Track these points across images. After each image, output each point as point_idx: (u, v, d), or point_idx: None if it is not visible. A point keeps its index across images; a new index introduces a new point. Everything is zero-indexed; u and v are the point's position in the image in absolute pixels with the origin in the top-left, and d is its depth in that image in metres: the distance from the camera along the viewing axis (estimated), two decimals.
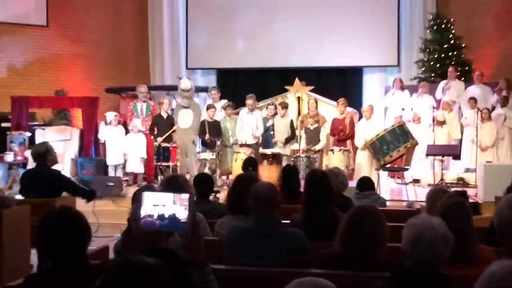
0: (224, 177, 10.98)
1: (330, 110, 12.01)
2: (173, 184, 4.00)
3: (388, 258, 3.23)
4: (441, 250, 2.64)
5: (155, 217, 2.38)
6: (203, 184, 5.23)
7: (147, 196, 2.40)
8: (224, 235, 3.96)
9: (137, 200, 2.47)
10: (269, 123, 11.03)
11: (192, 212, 2.39)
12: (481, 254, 3.23)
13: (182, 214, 2.37)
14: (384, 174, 10.51)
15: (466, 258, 3.09)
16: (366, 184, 6.42)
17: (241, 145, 10.72)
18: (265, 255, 3.48)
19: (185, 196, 2.39)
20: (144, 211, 2.38)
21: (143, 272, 1.89)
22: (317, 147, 10.67)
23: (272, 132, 10.70)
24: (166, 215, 2.37)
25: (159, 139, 10.60)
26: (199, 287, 2.42)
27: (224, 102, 11.70)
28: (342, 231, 3.28)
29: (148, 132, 11.09)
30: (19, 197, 6.78)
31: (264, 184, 3.78)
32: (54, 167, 7.02)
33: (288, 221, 4.39)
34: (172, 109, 11.51)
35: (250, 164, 7.34)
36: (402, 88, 12.52)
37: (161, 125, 10.88)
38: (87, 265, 2.68)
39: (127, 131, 11.35)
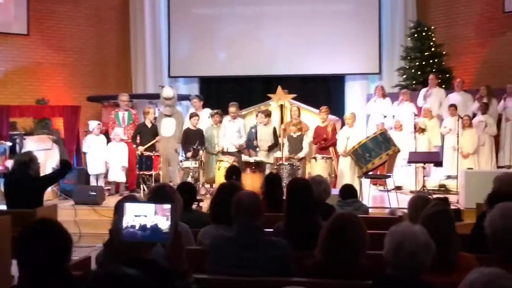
0: (207, 186, 10.96)
1: (313, 118, 12.06)
2: (161, 193, 3.97)
3: (371, 265, 3.24)
4: (423, 258, 2.66)
5: (137, 227, 2.37)
6: (186, 193, 5.19)
7: (128, 206, 2.39)
8: (207, 245, 3.94)
9: (119, 211, 2.46)
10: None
11: (174, 222, 2.39)
12: (463, 261, 3.25)
13: (164, 224, 2.36)
14: (366, 181, 10.54)
15: (448, 265, 3.11)
16: (348, 191, 6.43)
17: (224, 153, 10.72)
18: (249, 264, 3.46)
19: (167, 206, 2.39)
20: (126, 221, 2.38)
21: (123, 283, 1.88)
22: (300, 154, 10.70)
23: (255, 142, 10.76)
24: (148, 226, 2.36)
25: (141, 148, 10.54)
26: None
27: (206, 110, 11.70)
28: (323, 239, 3.29)
29: (130, 141, 11.02)
30: (2, 207, 6.76)
31: (246, 193, 3.77)
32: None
33: (271, 230, 4.39)
34: (155, 118, 11.47)
35: (233, 173, 7.33)
36: (384, 95, 12.61)
37: (145, 134, 10.83)
38: (68, 276, 2.64)
39: (109, 140, 11.28)
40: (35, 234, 2.63)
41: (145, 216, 2.37)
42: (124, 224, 2.39)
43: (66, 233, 2.73)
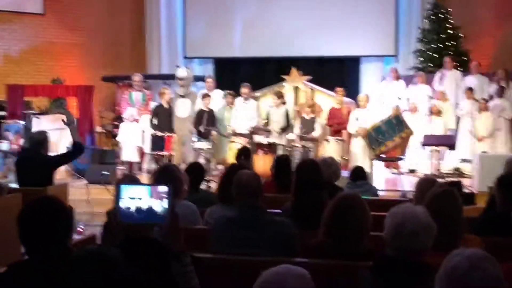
0: (220, 166, 10.95)
1: (327, 100, 11.98)
2: (166, 174, 3.97)
3: (374, 246, 3.22)
4: (423, 239, 2.62)
5: (133, 209, 2.37)
6: (194, 173, 5.21)
7: (124, 189, 2.39)
8: (212, 224, 3.94)
9: (115, 193, 2.46)
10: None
11: (171, 203, 2.38)
12: (467, 244, 3.20)
13: (159, 207, 2.36)
14: (380, 164, 10.49)
15: (451, 247, 3.06)
16: (358, 173, 6.42)
17: (236, 134, 10.69)
18: (251, 243, 3.46)
19: (163, 189, 2.39)
20: (122, 203, 2.38)
21: (101, 263, 1.89)
22: (314, 133, 10.60)
23: (265, 121, 10.69)
24: (143, 208, 2.36)
25: (159, 133, 10.45)
26: (178, 278, 2.40)
27: (218, 91, 11.66)
28: (326, 219, 3.27)
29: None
30: (14, 185, 6.80)
31: (247, 173, 3.76)
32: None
33: (280, 210, 4.38)
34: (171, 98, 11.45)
35: (243, 154, 7.32)
36: (397, 77, 12.49)
37: (162, 115, 10.78)
38: (68, 254, 2.65)
39: (122, 120, 11.29)
40: (35, 211, 2.65)
41: (140, 198, 2.37)
42: (121, 206, 2.39)
43: (66, 210, 2.74)
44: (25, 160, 6.82)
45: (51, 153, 7.16)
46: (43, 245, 2.58)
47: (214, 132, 10.58)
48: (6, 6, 14.17)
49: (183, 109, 11.15)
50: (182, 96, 11.33)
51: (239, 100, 11.17)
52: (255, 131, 10.86)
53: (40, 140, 6.67)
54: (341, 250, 3.18)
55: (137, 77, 11.48)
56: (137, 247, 2.46)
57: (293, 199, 4.37)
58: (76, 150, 6.95)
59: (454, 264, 1.95)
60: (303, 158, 9.50)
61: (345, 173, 7.30)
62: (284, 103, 11.14)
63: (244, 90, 11.06)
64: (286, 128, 10.87)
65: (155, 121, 10.66)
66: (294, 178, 4.53)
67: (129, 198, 2.38)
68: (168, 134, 10.38)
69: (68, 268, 1.97)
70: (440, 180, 8.93)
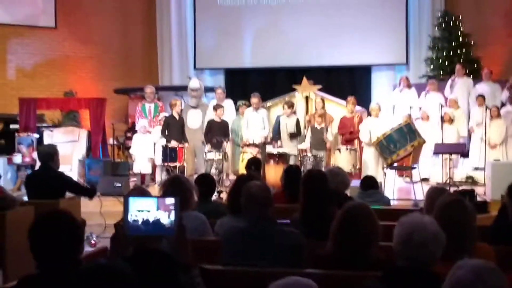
0: (232, 177, 10.95)
1: (338, 109, 11.97)
2: (175, 185, 3.99)
3: (384, 256, 3.21)
4: (433, 248, 2.61)
5: (140, 222, 2.39)
6: (205, 184, 5.21)
7: (131, 201, 2.41)
8: (222, 235, 3.94)
9: (124, 205, 2.48)
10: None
11: (178, 215, 2.39)
12: (479, 252, 3.19)
13: (166, 219, 2.38)
14: (392, 173, 10.45)
15: (462, 256, 3.05)
16: (368, 183, 6.38)
17: (248, 145, 10.70)
18: (261, 255, 3.46)
19: (170, 201, 2.40)
20: (129, 216, 2.40)
21: (108, 276, 1.90)
22: (329, 138, 10.57)
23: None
24: (150, 221, 2.38)
25: (174, 142, 10.47)
26: None
27: (228, 101, 11.69)
28: (335, 230, 3.27)
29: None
30: (26, 198, 6.83)
31: (256, 184, 3.76)
32: (62, 167, 7.07)
33: (289, 221, 4.38)
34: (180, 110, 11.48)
35: (254, 164, 7.32)
36: (409, 86, 12.45)
37: (173, 126, 10.78)
38: (78, 266, 2.67)
39: (134, 132, 11.35)
40: (45, 225, 2.67)
41: (148, 211, 2.39)
42: (129, 219, 2.41)
43: (77, 223, 2.76)
44: (36, 176, 6.84)
45: (66, 167, 7.15)
46: (53, 258, 2.61)
47: (225, 143, 10.58)
48: (19, 21, 14.35)
49: (195, 120, 11.18)
50: (194, 107, 11.36)
51: (249, 110, 11.18)
52: (266, 141, 10.87)
53: (50, 153, 6.68)
54: (349, 260, 3.18)
55: (149, 89, 11.54)
56: (145, 259, 2.48)
57: (301, 209, 4.37)
58: (89, 191, 6.96)
59: (458, 277, 1.95)
60: (310, 169, 9.49)
61: (357, 183, 7.27)
62: (294, 112, 11.14)
63: (254, 100, 11.07)
64: (297, 135, 10.85)
65: (166, 132, 10.68)
66: (301, 189, 4.54)
67: (137, 210, 2.39)
68: (180, 145, 10.40)
69: (76, 281, 1.98)
70: (453, 188, 8.92)
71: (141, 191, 3.91)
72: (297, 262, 3.43)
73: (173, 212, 2.38)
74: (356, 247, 3.17)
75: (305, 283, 1.94)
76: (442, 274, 2.67)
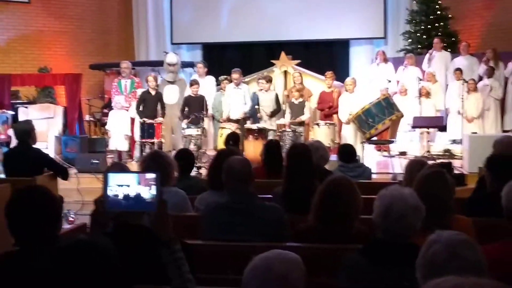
0: (212, 153, 10.91)
1: (317, 83, 11.95)
2: (155, 160, 3.95)
3: (365, 229, 3.22)
4: (412, 221, 2.62)
5: (120, 197, 2.36)
6: (184, 160, 5.19)
7: (111, 176, 2.38)
8: (203, 210, 3.93)
9: (103, 181, 2.44)
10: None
11: (159, 190, 2.37)
12: (458, 224, 3.21)
13: (147, 194, 2.35)
14: (371, 147, 10.49)
15: (441, 228, 3.06)
16: (349, 153, 6.32)
17: (229, 120, 10.65)
18: (243, 229, 3.46)
19: (150, 176, 2.38)
20: (109, 191, 2.36)
21: (89, 252, 1.88)
22: (302, 117, 10.56)
23: (257, 107, 10.61)
24: (131, 195, 2.35)
25: (161, 119, 10.39)
26: (168, 265, 2.40)
27: (210, 77, 11.60)
28: (317, 203, 3.26)
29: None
30: (2, 176, 6.74)
31: (237, 159, 3.74)
32: (38, 144, 6.97)
33: (270, 196, 4.38)
34: (157, 85, 11.35)
35: (232, 139, 7.30)
36: (386, 60, 12.47)
37: (149, 101, 10.67)
38: (57, 243, 2.63)
39: (111, 108, 11.22)
40: (22, 201, 2.63)
41: (128, 186, 2.36)
42: (109, 193, 2.37)
43: (55, 199, 2.72)
44: (13, 153, 6.74)
45: (42, 144, 7.05)
46: (31, 235, 2.58)
47: (205, 118, 10.52)
48: None
49: (172, 96, 11.08)
50: (171, 83, 11.26)
51: (230, 86, 11.10)
52: (247, 117, 10.83)
53: (26, 130, 6.58)
54: (331, 233, 3.19)
55: (125, 64, 11.37)
56: (125, 234, 2.45)
57: (284, 184, 4.36)
58: (62, 172, 6.83)
59: (432, 253, 1.94)
60: (294, 142, 9.48)
61: (335, 157, 7.27)
62: (273, 88, 11.10)
63: (235, 75, 10.98)
64: (277, 112, 10.82)
65: (141, 108, 10.57)
66: (285, 163, 4.53)
67: (117, 185, 2.36)
68: (158, 121, 10.32)
69: (57, 257, 1.95)
70: (430, 161, 8.99)
71: (120, 167, 3.88)
72: (279, 237, 3.43)
73: (154, 187, 2.35)
74: (337, 220, 3.18)
75: (288, 256, 1.93)
76: (421, 245, 2.69)
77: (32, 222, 2.57)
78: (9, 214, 2.64)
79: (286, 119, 10.60)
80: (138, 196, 2.36)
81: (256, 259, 1.92)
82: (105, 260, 1.96)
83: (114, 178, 2.38)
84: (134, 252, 2.44)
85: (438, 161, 9.48)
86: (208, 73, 11.80)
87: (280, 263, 1.87)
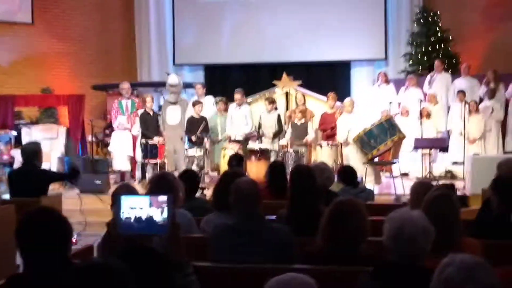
0: (213, 174, 10.93)
1: (319, 104, 12.00)
2: (164, 182, 3.95)
3: (372, 251, 3.22)
4: (422, 243, 2.63)
5: (132, 219, 2.36)
6: (189, 181, 5.18)
7: (124, 199, 2.38)
8: (209, 232, 3.92)
9: (115, 203, 2.45)
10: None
11: (171, 213, 2.37)
12: (466, 247, 3.22)
13: (159, 216, 2.35)
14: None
15: (451, 250, 3.07)
16: (350, 175, 6.30)
17: (230, 141, 10.67)
18: (250, 251, 3.45)
19: (162, 198, 2.38)
20: (121, 214, 2.37)
21: (105, 275, 1.88)
22: (308, 137, 10.61)
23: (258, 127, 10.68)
24: (143, 218, 2.35)
25: (157, 138, 10.43)
26: None
27: (209, 97, 11.65)
28: (324, 225, 3.26)
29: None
30: (5, 196, 6.74)
31: (245, 181, 3.75)
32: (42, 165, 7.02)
33: (275, 217, 4.38)
34: (159, 106, 11.42)
35: (235, 160, 7.30)
36: (387, 81, 12.55)
37: (149, 122, 10.70)
38: (69, 265, 2.63)
39: (113, 129, 11.25)
40: (35, 222, 2.63)
41: (141, 208, 2.36)
42: (121, 217, 2.38)
43: (65, 221, 2.71)
44: (20, 173, 6.77)
45: (45, 165, 7.12)
46: (43, 257, 2.56)
47: (206, 140, 10.54)
48: None
49: (174, 116, 11.09)
50: (173, 103, 11.29)
51: (232, 106, 11.14)
52: (248, 137, 10.86)
53: (35, 151, 6.63)
54: (339, 255, 3.18)
55: (125, 85, 11.44)
56: (137, 257, 2.45)
57: (289, 205, 4.36)
58: (73, 174, 6.93)
59: (447, 276, 1.94)
60: (296, 163, 9.49)
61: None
62: (276, 108, 11.15)
63: (237, 96, 11.03)
64: (279, 133, 10.86)
65: (143, 129, 10.61)
66: (289, 185, 4.53)
67: (130, 208, 2.37)
68: (161, 141, 10.34)
69: (72, 279, 1.95)
70: (433, 183, 8.99)
71: (128, 188, 3.88)
72: (286, 259, 3.42)
73: (165, 209, 2.36)
74: (346, 243, 3.18)
75: (304, 279, 1.94)
76: (430, 268, 2.69)
77: (43, 244, 2.56)
78: (19, 237, 2.63)
79: (287, 139, 10.64)
80: (150, 219, 2.36)
81: (273, 282, 1.92)
82: (122, 283, 1.95)
83: (127, 201, 2.39)
84: (146, 276, 2.44)
85: (441, 182, 9.50)
86: (206, 93, 11.85)
87: (296, 286, 1.88)
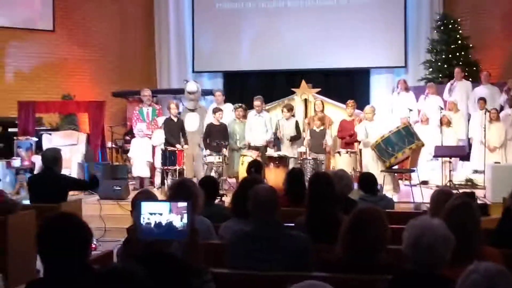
0: (231, 180, 10.94)
1: (337, 112, 11.98)
2: (181, 189, 3.97)
3: (392, 260, 3.20)
4: (442, 251, 2.61)
5: (152, 225, 2.38)
6: (209, 187, 5.19)
7: (144, 205, 2.40)
8: (227, 239, 3.93)
9: (135, 209, 2.47)
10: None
11: (190, 219, 2.39)
12: (487, 256, 3.18)
13: (179, 222, 2.37)
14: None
15: (471, 259, 3.04)
16: (370, 182, 6.26)
17: (250, 148, 10.68)
18: (268, 258, 3.45)
19: (182, 204, 2.40)
20: (142, 219, 2.39)
21: (126, 280, 1.89)
22: (327, 142, 10.62)
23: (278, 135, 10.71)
24: (163, 223, 2.37)
25: (186, 146, 10.53)
26: None
27: (228, 105, 11.67)
28: (344, 234, 3.25)
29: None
30: (26, 202, 6.81)
31: (264, 188, 3.76)
32: (62, 171, 7.07)
33: (293, 224, 4.37)
34: (179, 113, 11.46)
35: (254, 167, 7.30)
36: (407, 89, 12.48)
37: (171, 128, 10.74)
38: (88, 270, 2.65)
39: (133, 135, 11.32)
40: (55, 228, 2.65)
41: (160, 214, 2.39)
42: (141, 222, 2.40)
43: (86, 227, 2.73)
44: (39, 179, 6.83)
45: (65, 171, 7.17)
46: (62, 262, 2.58)
47: (225, 146, 10.57)
48: (17, 24, 14.33)
49: (193, 123, 11.14)
50: (192, 110, 11.34)
51: (252, 114, 11.15)
52: (268, 144, 10.88)
53: (56, 158, 6.68)
54: (358, 264, 3.17)
55: (146, 92, 11.52)
56: (157, 263, 2.46)
57: (307, 212, 4.36)
58: (92, 183, 7.00)
59: (471, 282, 1.95)
60: (315, 170, 9.48)
61: (356, 186, 7.25)
62: (293, 115, 11.15)
63: (257, 103, 11.03)
64: (297, 138, 10.85)
65: (167, 136, 10.65)
66: (307, 192, 4.52)
67: (149, 213, 2.39)
68: (179, 148, 10.38)
69: (92, 284, 1.96)
70: (453, 191, 8.92)
71: (148, 194, 3.90)
72: (304, 266, 3.42)
73: (185, 216, 2.37)
74: (365, 251, 3.16)
75: (321, 286, 1.93)
76: (450, 277, 2.67)
77: (64, 249, 2.58)
78: (39, 242, 2.65)
79: (306, 146, 10.63)
80: (169, 225, 2.38)
81: None
82: None
83: (147, 207, 2.41)
84: (165, 281, 2.44)
85: (461, 190, 9.41)
86: (227, 101, 11.88)
87: None
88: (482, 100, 11.51)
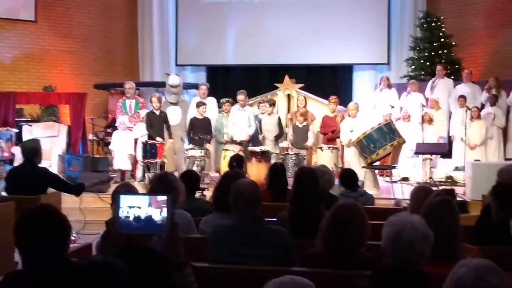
0: (215, 175, 10.92)
1: (320, 107, 12.01)
2: (164, 182, 3.95)
3: (371, 255, 3.21)
4: (421, 248, 2.62)
5: (131, 218, 2.36)
6: (190, 181, 5.18)
7: (123, 198, 2.39)
8: (209, 233, 3.92)
9: (114, 202, 2.45)
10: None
11: (170, 213, 2.37)
12: (465, 253, 3.21)
13: (158, 216, 2.36)
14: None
15: (449, 256, 3.07)
16: (351, 178, 6.28)
17: (232, 142, 10.67)
18: (249, 253, 3.45)
19: (162, 198, 2.38)
20: (121, 212, 2.37)
21: (105, 273, 1.88)
22: (308, 143, 10.64)
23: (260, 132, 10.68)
24: (142, 217, 2.36)
25: (171, 140, 10.47)
26: None
27: (211, 98, 11.63)
28: (325, 228, 3.26)
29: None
30: (4, 194, 6.72)
31: (245, 182, 3.75)
32: (42, 163, 6.97)
33: (275, 219, 4.37)
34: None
35: (236, 161, 7.30)
36: (389, 86, 12.54)
37: (154, 122, 10.69)
38: (66, 263, 2.63)
39: (115, 128, 11.25)
40: (33, 220, 2.62)
41: (139, 207, 2.37)
42: (120, 215, 2.38)
43: (64, 219, 2.71)
44: (19, 170, 6.74)
45: (45, 163, 7.06)
46: (40, 254, 2.56)
47: (208, 140, 10.54)
48: None
49: (174, 117, 11.09)
50: (174, 104, 11.29)
51: (235, 108, 11.13)
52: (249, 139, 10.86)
53: (34, 149, 6.59)
54: (339, 259, 3.18)
55: (128, 85, 11.40)
56: (136, 257, 2.45)
57: (290, 208, 4.36)
58: (77, 189, 6.81)
59: (459, 275, 1.96)
60: (297, 166, 9.50)
61: (337, 182, 7.27)
62: (275, 111, 11.15)
63: (241, 97, 11.00)
64: (280, 136, 10.87)
65: (148, 128, 10.60)
66: (292, 187, 4.53)
67: (128, 207, 2.37)
68: (160, 141, 10.33)
69: (71, 276, 1.95)
70: (433, 188, 8.98)
71: (128, 187, 3.88)
72: (285, 261, 3.42)
73: (165, 209, 2.36)
74: (346, 247, 3.17)
75: (302, 282, 1.93)
76: (430, 273, 2.69)
77: (42, 241, 2.55)
78: (18, 233, 2.63)
79: (289, 141, 10.64)
80: (149, 218, 2.37)
81: (271, 284, 1.92)
82: (121, 281, 1.95)
83: (126, 200, 2.39)
84: (145, 275, 2.43)
85: (441, 187, 9.48)
86: (209, 94, 11.84)
87: None
88: (462, 98, 11.61)
